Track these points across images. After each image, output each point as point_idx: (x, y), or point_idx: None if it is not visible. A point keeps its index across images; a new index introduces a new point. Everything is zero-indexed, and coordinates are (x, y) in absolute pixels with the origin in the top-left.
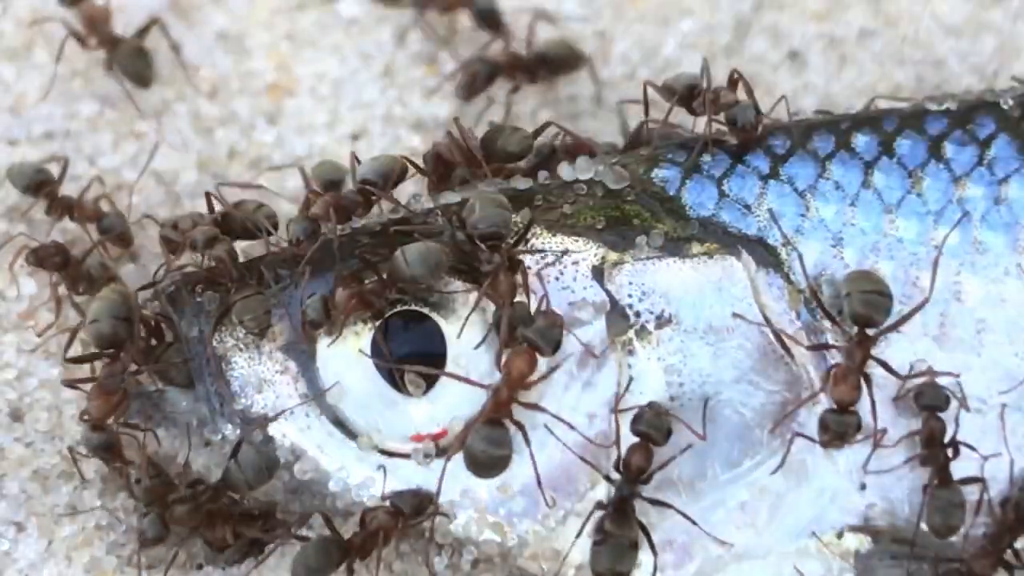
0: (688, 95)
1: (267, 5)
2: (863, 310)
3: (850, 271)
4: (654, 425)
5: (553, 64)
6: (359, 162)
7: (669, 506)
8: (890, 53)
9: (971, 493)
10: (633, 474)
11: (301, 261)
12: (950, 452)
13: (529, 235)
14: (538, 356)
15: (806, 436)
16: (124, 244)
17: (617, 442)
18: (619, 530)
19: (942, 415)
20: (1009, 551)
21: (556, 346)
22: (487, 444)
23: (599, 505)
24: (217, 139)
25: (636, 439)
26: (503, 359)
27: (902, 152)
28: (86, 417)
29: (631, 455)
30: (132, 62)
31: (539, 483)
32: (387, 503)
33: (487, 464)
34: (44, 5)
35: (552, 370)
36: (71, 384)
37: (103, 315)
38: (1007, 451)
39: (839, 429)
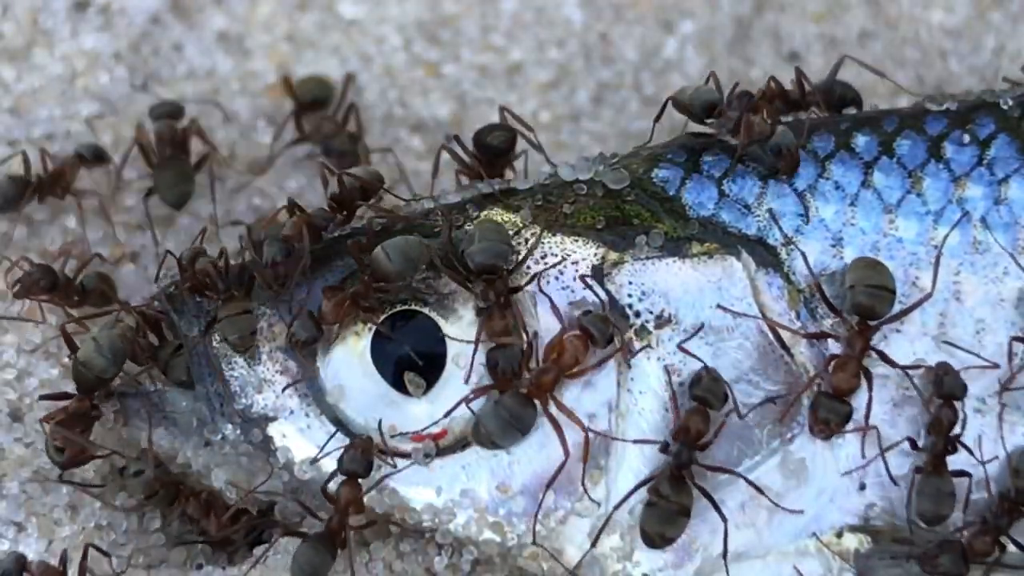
0: (707, 114)
1: (267, 5)
2: (866, 301)
3: (856, 259)
4: (711, 390)
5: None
6: (332, 172)
7: (729, 471)
8: (890, 54)
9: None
10: (692, 438)
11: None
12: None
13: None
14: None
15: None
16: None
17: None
18: (674, 495)
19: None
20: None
21: (610, 339)
22: (510, 416)
23: (645, 481)
24: (217, 139)
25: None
26: (553, 343)
27: (902, 152)
28: (52, 440)
29: (689, 420)
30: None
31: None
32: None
33: (499, 434)
34: (44, 6)
35: (601, 360)
36: (48, 397)
37: (90, 360)
38: (1005, 450)
39: (826, 415)
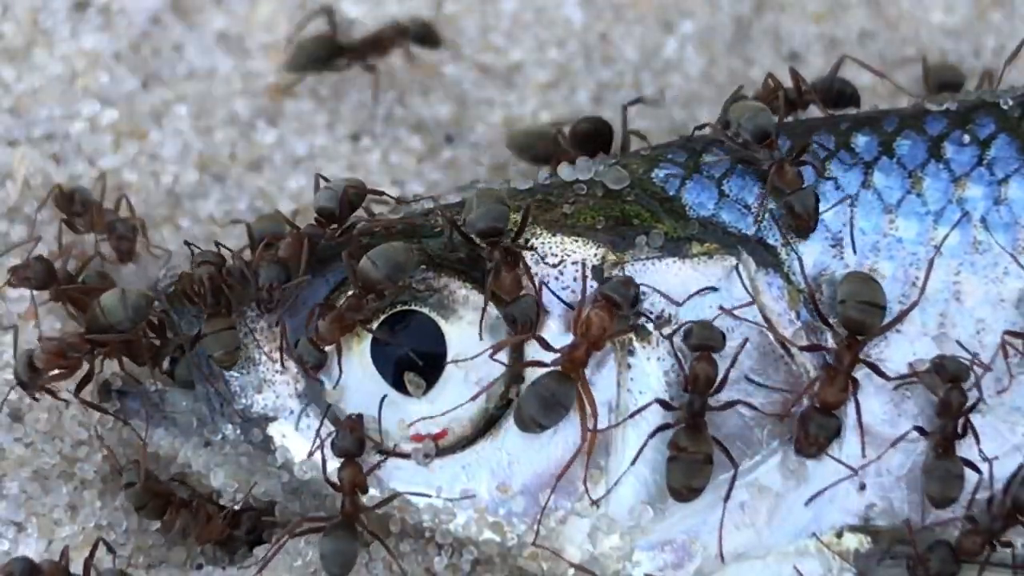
0: (758, 141)
1: (267, 5)
2: (856, 316)
3: (848, 273)
4: (706, 336)
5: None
6: (326, 180)
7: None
8: (890, 53)
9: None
10: (702, 386)
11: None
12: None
13: (527, 232)
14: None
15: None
16: (127, 253)
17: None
18: (693, 445)
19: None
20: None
21: (634, 302)
22: (551, 395)
23: (661, 428)
24: (217, 139)
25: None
26: (579, 317)
27: (902, 152)
28: (32, 355)
29: (696, 367)
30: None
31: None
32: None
33: (542, 414)
34: (44, 6)
35: (630, 327)
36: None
37: (111, 307)
38: (1006, 450)
39: (817, 431)
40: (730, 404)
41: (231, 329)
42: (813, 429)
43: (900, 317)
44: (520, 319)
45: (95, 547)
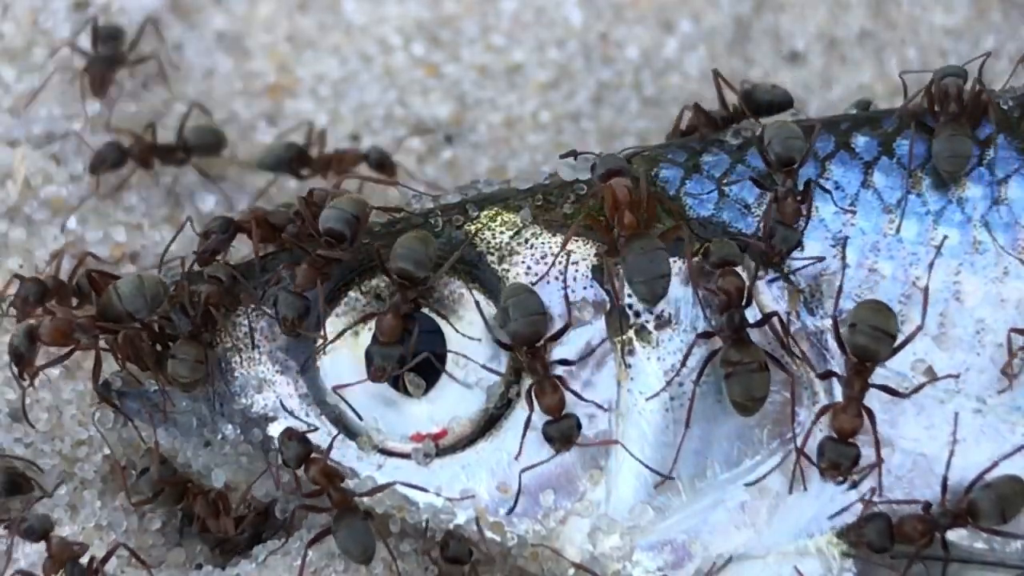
0: (784, 168)
1: (267, 5)
2: (863, 342)
3: (864, 300)
4: (724, 252)
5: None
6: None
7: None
8: (890, 54)
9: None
10: (736, 298)
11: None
12: None
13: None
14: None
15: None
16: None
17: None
18: (746, 356)
19: None
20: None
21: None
22: (648, 260)
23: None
24: None
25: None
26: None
27: (902, 152)
28: (35, 330)
29: (724, 282)
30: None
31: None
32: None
33: (650, 269)
34: (44, 6)
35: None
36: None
37: (130, 296)
38: (1006, 450)
39: (836, 459)
40: (768, 317)
41: (200, 363)
42: (833, 457)
43: (904, 343)
44: (559, 441)
45: (111, 552)
